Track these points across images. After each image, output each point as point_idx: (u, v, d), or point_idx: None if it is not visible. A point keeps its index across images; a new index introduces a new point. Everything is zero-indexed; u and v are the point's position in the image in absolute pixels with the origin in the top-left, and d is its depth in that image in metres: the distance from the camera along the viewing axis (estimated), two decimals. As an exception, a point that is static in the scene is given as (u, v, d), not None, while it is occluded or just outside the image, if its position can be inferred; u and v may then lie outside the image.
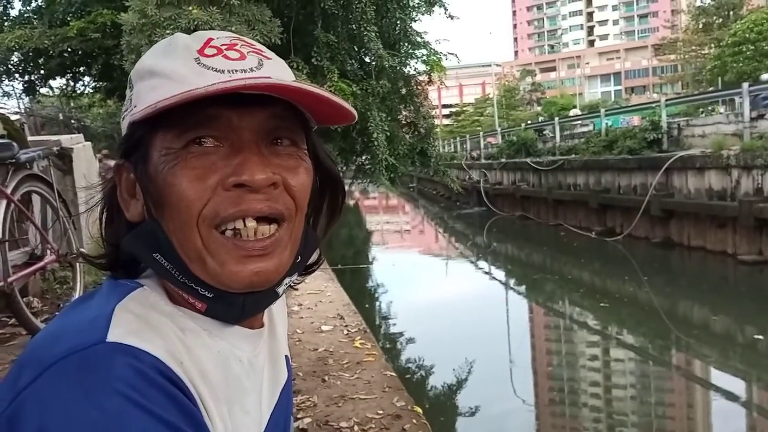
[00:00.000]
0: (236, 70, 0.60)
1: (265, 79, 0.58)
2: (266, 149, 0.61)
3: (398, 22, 9.03)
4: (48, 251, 3.50)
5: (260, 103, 0.60)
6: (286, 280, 0.67)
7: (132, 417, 0.49)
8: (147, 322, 0.57)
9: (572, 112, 31.00)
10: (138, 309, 0.58)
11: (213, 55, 0.61)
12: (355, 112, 0.65)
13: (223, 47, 0.62)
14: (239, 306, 0.63)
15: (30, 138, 4.75)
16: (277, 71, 0.63)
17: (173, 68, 0.60)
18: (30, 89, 10.04)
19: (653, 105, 15.60)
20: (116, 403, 0.49)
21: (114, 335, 0.53)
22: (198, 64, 0.60)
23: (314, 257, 0.74)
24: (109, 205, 0.67)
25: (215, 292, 0.61)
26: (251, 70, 0.61)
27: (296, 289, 0.78)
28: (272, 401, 0.71)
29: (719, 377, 6.78)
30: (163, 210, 0.60)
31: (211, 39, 0.63)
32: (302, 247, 0.67)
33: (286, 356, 0.78)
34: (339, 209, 0.74)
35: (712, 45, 45.52)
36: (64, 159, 4.08)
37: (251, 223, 0.59)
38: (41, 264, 3.43)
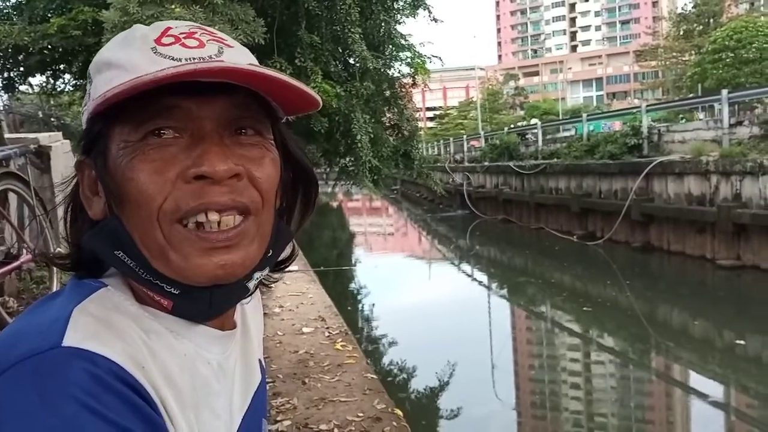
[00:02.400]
0: (194, 58, 0.58)
1: (217, 63, 0.56)
2: (229, 139, 0.59)
3: (383, 24, 9.03)
4: (24, 250, 3.44)
5: (221, 91, 0.58)
6: (257, 275, 0.64)
7: (87, 423, 0.47)
8: (107, 324, 0.55)
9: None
10: (98, 311, 0.56)
11: (170, 44, 0.59)
12: (318, 98, 0.63)
13: (182, 36, 0.60)
14: (206, 301, 0.60)
15: (8, 135, 4.67)
16: (237, 58, 0.61)
17: (128, 58, 0.58)
18: (9, 86, 9.89)
19: (634, 110, 15.79)
20: (72, 410, 0.47)
21: (70, 339, 0.51)
22: (154, 53, 0.58)
23: (287, 252, 0.71)
24: (72, 203, 0.65)
25: (181, 288, 0.58)
26: (210, 57, 0.58)
27: (270, 287, 0.76)
28: (244, 404, 0.69)
29: (698, 381, 6.86)
30: (123, 206, 0.58)
31: (169, 28, 0.61)
32: (273, 242, 0.64)
33: (259, 360, 0.76)
34: (312, 203, 0.72)
35: (693, 52, 46.22)
36: (42, 157, 4.01)
37: (214, 216, 0.57)
38: (17, 263, 3.38)
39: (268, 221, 0.62)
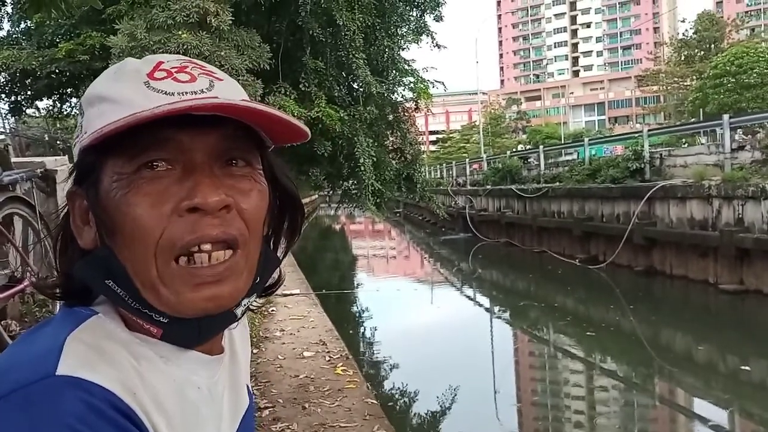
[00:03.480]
0: (186, 92, 0.59)
1: (212, 99, 0.57)
2: (219, 170, 0.60)
3: (386, 49, 9.14)
4: (28, 274, 3.46)
5: (212, 124, 0.59)
6: (245, 302, 0.66)
7: None
8: (99, 352, 0.56)
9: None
10: (90, 338, 0.57)
11: (162, 78, 0.60)
12: (307, 130, 0.64)
13: (173, 70, 0.61)
14: (195, 329, 0.62)
15: (14, 159, 4.72)
16: (229, 92, 0.62)
17: (121, 93, 0.60)
18: (16, 110, 10.00)
19: (636, 135, 15.84)
20: None
21: (64, 368, 0.52)
22: (147, 87, 0.59)
23: (275, 277, 0.73)
24: (63, 232, 0.66)
25: (170, 316, 0.60)
26: (201, 91, 0.60)
27: (254, 312, 0.78)
28: (233, 429, 0.70)
29: (702, 406, 6.79)
30: (116, 237, 0.59)
31: (161, 62, 0.62)
32: (261, 269, 0.66)
33: (246, 385, 0.77)
34: (299, 229, 0.73)
35: (694, 77, 46.50)
36: (47, 181, 4.05)
37: (206, 247, 0.58)
38: (20, 287, 3.39)
39: (255, 251, 0.64)
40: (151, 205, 0.57)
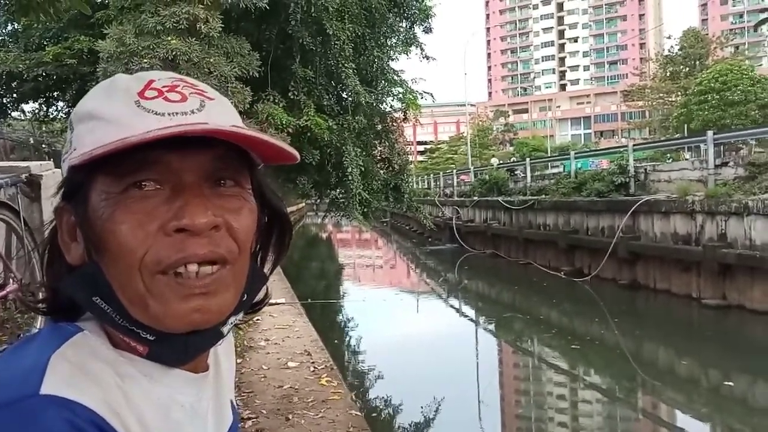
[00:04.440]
0: (176, 113, 0.59)
1: (202, 125, 0.57)
2: (209, 190, 0.60)
3: (376, 60, 9.18)
4: (11, 280, 3.42)
5: (202, 144, 0.59)
6: (231, 320, 0.65)
7: None
8: (84, 370, 0.56)
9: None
10: (75, 357, 0.57)
11: (153, 98, 0.60)
12: (296, 154, 0.64)
13: (164, 89, 0.61)
14: (182, 346, 0.61)
15: (-2, 163, 4.67)
16: (220, 113, 0.62)
17: (111, 111, 0.60)
18: (1, 112, 9.91)
19: (621, 149, 16.01)
20: None
21: (48, 387, 0.52)
22: (138, 106, 0.59)
23: (261, 294, 0.73)
24: (50, 246, 0.66)
25: (156, 334, 0.60)
26: (192, 112, 0.60)
27: (240, 329, 0.77)
28: None
29: (684, 420, 6.84)
30: (102, 254, 0.59)
31: (152, 81, 0.62)
32: (248, 286, 0.66)
33: (231, 401, 0.76)
34: (286, 246, 0.73)
35: (679, 93, 47.08)
36: (32, 186, 4.00)
37: (192, 267, 0.58)
38: (3, 293, 3.34)
39: (243, 268, 0.64)
40: (137, 224, 0.57)
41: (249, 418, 3.65)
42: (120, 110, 0.59)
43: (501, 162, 28.33)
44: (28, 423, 0.49)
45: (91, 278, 0.60)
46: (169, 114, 0.59)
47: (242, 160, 0.63)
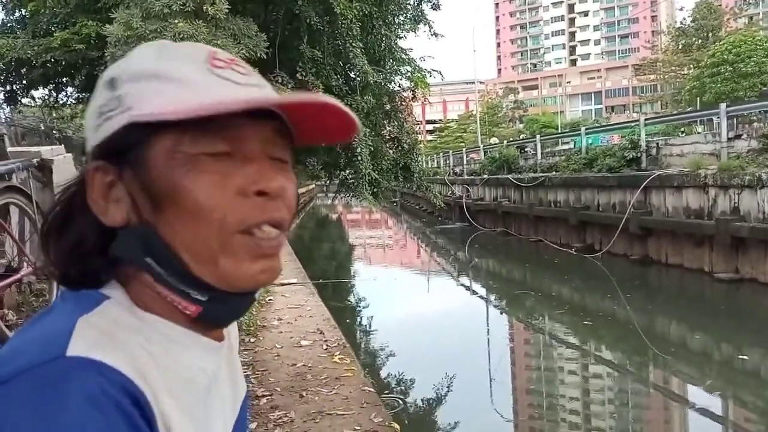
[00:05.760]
0: (250, 85, 0.62)
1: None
2: (269, 160, 0.63)
3: (383, 38, 9.10)
4: (25, 264, 3.47)
5: (264, 117, 0.61)
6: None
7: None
8: (111, 335, 0.56)
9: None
10: (102, 322, 0.57)
11: (224, 67, 0.62)
12: (358, 122, 0.65)
13: (229, 61, 0.63)
14: (236, 306, 0.64)
15: (10, 149, 4.70)
16: (271, 89, 0.65)
17: (183, 74, 0.60)
18: (11, 99, 9.95)
19: (633, 124, 15.85)
20: (73, 419, 0.48)
21: (75, 349, 0.52)
22: (212, 74, 0.61)
23: None
24: (65, 213, 0.64)
25: (210, 294, 0.60)
26: (259, 86, 0.63)
27: (253, 309, 0.79)
28: (234, 414, 0.72)
29: (697, 394, 6.85)
30: (165, 213, 0.59)
31: (214, 51, 0.63)
32: None
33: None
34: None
35: (691, 66, 46.42)
36: (44, 171, 4.04)
37: (268, 228, 0.61)
38: (17, 276, 3.40)
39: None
40: (216, 184, 0.58)
41: (264, 396, 3.71)
42: (194, 75, 0.60)
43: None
44: (53, 386, 0.49)
45: (144, 238, 0.60)
46: (243, 84, 0.61)
47: (288, 137, 0.66)
